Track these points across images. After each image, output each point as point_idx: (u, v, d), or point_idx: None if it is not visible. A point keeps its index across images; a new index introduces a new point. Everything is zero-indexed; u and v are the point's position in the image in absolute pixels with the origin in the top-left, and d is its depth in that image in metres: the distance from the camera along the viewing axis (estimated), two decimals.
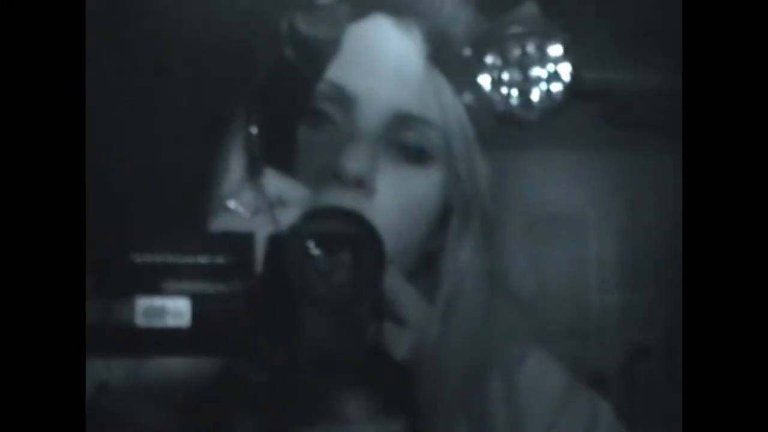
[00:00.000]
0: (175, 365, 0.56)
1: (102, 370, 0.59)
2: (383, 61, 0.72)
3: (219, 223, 0.65)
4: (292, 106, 0.70)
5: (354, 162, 0.69)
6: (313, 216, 0.55)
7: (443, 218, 0.75)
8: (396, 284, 0.60)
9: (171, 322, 0.51)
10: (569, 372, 0.79)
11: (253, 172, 0.68)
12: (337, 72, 0.69)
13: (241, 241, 0.55)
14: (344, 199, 0.68)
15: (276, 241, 0.55)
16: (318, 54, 0.66)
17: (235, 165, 0.70)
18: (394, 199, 0.71)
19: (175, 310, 0.52)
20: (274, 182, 0.67)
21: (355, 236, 0.54)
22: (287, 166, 0.69)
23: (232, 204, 0.66)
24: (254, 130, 0.68)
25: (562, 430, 0.75)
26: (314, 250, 0.54)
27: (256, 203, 0.66)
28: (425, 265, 0.75)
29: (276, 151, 0.69)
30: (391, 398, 0.53)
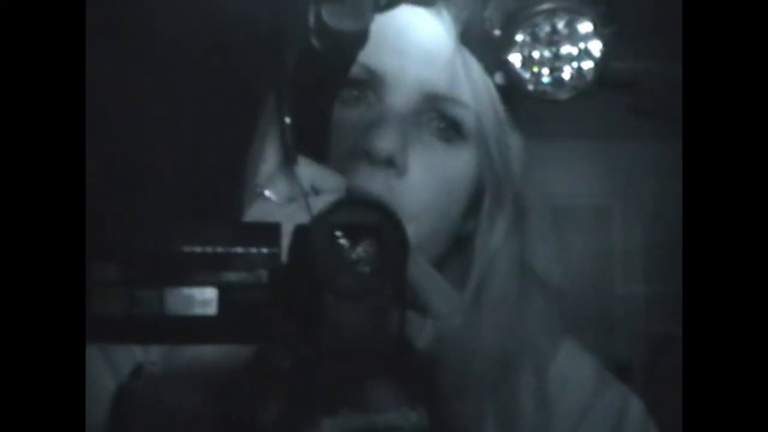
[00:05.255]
0: (205, 351, 0.58)
1: (138, 354, 0.61)
2: (412, 42, 0.73)
3: (254, 212, 0.67)
4: (323, 95, 0.71)
5: (384, 141, 0.70)
6: (337, 206, 0.56)
7: (475, 199, 0.75)
8: (421, 273, 0.61)
9: (198, 310, 0.54)
10: (601, 365, 0.79)
11: (287, 160, 0.69)
12: (367, 53, 0.70)
13: (268, 232, 0.57)
14: (375, 178, 0.69)
15: (301, 232, 0.56)
16: (345, 45, 0.67)
17: (270, 154, 0.71)
18: (426, 178, 0.72)
19: (202, 299, 0.54)
20: (308, 170, 0.68)
21: (378, 226, 0.55)
22: (320, 153, 0.71)
23: (267, 192, 0.68)
24: (287, 119, 0.70)
25: (592, 424, 0.75)
26: (338, 240, 0.55)
27: (290, 191, 0.67)
28: (457, 249, 0.75)
29: (309, 139, 0.70)
30: (412, 387, 0.55)
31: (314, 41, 0.66)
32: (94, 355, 0.70)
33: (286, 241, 0.56)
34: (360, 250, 0.55)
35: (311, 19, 0.65)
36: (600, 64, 0.72)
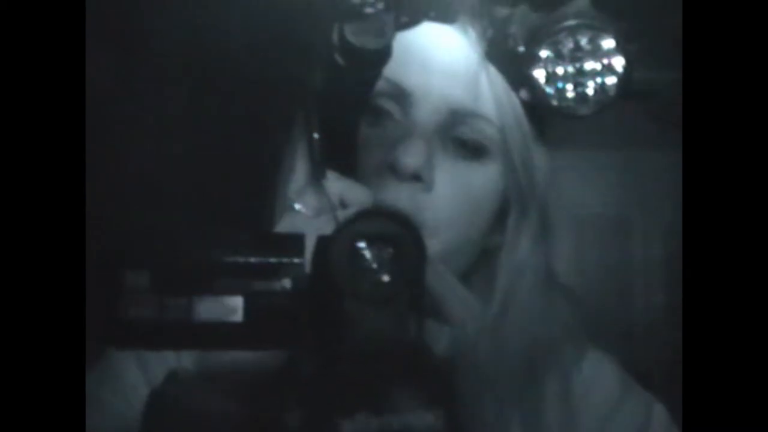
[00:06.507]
0: (236, 357, 0.60)
1: (171, 359, 0.64)
2: (438, 59, 0.74)
3: (285, 224, 0.69)
4: (349, 111, 0.73)
5: (410, 156, 0.71)
6: (358, 217, 0.58)
7: (501, 214, 0.77)
8: (440, 281, 0.62)
9: (225, 317, 0.56)
10: (624, 372, 0.79)
11: (316, 175, 0.71)
12: (394, 69, 0.72)
13: (293, 242, 0.59)
14: (402, 193, 0.71)
15: (323, 242, 0.58)
16: (368, 61, 0.69)
17: (300, 169, 0.73)
18: (452, 193, 0.73)
19: (229, 306, 0.56)
20: (336, 184, 0.70)
21: (397, 236, 0.57)
22: (348, 168, 0.73)
23: (297, 206, 0.70)
24: (315, 134, 0.72)
25: (616, 430, 0.76)
26: (359, 250, 0.57)
27: (319, 205, 0.69)
28: (484, 261, 0.76)
29: (337, 153, 0.72)
30: (429, 391, 0.56)
31: (338, 58, 0.68)
32: (126, 358, 0.73)
33: (310, 251, 0.58)
34: (379, 259, 0.56)
35: (335, 36, 0.67)
36: (623, 79, 0.74)
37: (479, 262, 0.76)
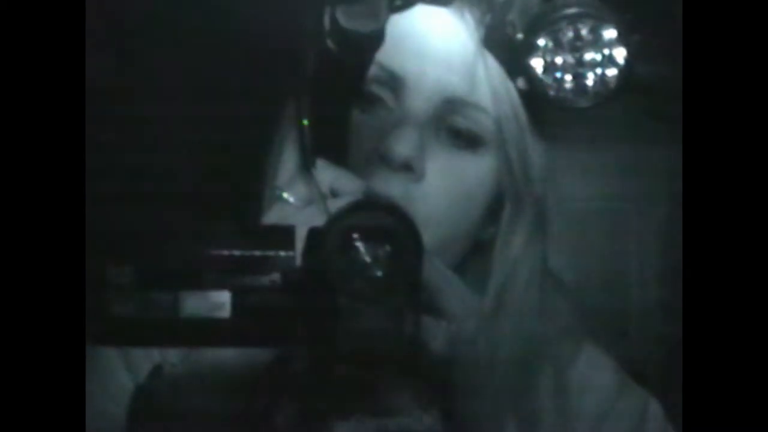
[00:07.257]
0: (224, 353, 0.58)
1: (156, 355, 0.62)
2: (434, 45, 0.72)
3: (273, 215, 0.67)
4: (340, 97, 0.71)
5: (401, 145, 0.69)
6: (352, 209, 0.56)
7: (495, 206, 0.75)
8: (437, 276, 0.61)
9: (212, 313, 0.54)
10: (620, 368, 0.78)
11: (306, 163, 0.69)
12: (387, 55, 0.70)
13: (283, 235, 0.57)
14: (392, 183, 0.69)
15: (315, 234, 0.56)
16: (361, 46, 0.67)
17: (289, 157, 0.71)
18: (444, 183, 0.71)
19: (216, 302, 0.54)
20: (326, 173, 0.68)
21: (393, 229, 0.55)
22: (339, 156, 0.71)
23: (286, 195, 0.68)
24: (305, 122, 0.70)
25: (612, 427, 0.75)
26: (353, 243, 0.55)
27: (308, 194, 0.67)
28: (477, 255, 0.75)
29: (327, 141, 0.70)
30: (427, 390, 0.54)
31: (330, 43, 0.66)
32: (112, 355, 0.70)
33: (300, 244, 0.56)
34: (374, 253, 0.54)
35: (326, 21, 0.65)
36: (624, 71, 0.71)
37: (473, 255, 0.74)
